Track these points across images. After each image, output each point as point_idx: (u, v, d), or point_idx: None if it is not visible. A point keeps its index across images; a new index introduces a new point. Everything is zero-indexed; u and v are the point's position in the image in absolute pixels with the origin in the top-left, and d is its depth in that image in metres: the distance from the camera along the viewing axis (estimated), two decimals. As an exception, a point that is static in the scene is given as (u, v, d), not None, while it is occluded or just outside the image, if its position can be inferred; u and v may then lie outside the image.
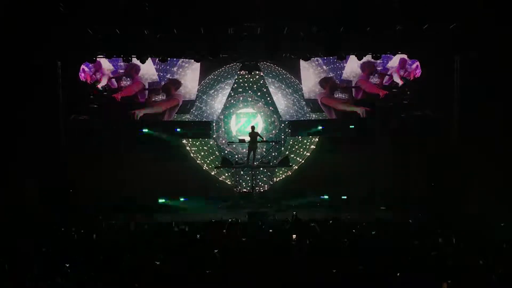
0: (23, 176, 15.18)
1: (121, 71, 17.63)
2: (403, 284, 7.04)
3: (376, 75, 17.85)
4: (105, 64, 17.32)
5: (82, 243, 10.28)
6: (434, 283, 6.97)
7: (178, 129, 18.09)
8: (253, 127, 17.65)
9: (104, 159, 17.00)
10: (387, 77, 17.80)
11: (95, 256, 8.70)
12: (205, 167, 18.92)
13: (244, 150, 18.21)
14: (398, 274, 7.30)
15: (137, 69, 17.67)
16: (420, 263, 8.08)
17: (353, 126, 18.02)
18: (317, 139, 18.89)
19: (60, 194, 15.69)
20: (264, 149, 18.67)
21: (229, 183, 19.05)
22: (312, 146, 18.97)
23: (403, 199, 16.51)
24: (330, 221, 13.02)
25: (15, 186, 14.88)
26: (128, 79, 17.75)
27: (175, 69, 17.91)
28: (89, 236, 11.04)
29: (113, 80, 17.63)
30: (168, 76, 18.01)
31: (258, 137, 17.43)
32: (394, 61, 17.59)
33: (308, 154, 18.96)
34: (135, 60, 16.30)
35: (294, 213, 13.77)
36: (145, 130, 17.84)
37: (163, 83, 18.04)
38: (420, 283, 6.96)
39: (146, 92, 18.02)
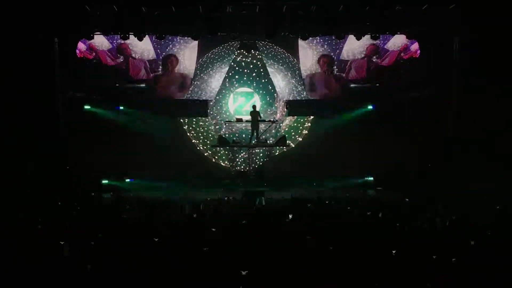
0: (20, 154, 15.18)
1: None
2: (398, 262, 7.10)
3: (377, 55, 17.76)
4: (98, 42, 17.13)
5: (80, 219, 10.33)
6: (428, 262, 7.04)
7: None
8: (254, 106, 17.68)
9: (101, 136, 17.02)
10: (387, 59, 17.70)
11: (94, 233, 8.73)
12: (200, 146, 18.92)
13: (241, 128, 18.29)
14: (393, 251, 7.37)
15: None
16: (415, 241, 8.15)
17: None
18: (309, 124, 18.89)
19: (58, 171, 15.74)
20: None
21: (226, 162, 19.09)
22: (305, 132, 19.00)
23: (400, 179, 16.59)
24: (327, 201, 13.10)
25: (13, 164, 14.89)
26: (121, 56, 17.55)
27: (172, 46, 17.78)
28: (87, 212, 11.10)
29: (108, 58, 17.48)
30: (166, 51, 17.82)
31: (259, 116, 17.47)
32: (396, 43, 17.48)
33: (300, 139, 19.00)
34: (132, 37, 16.17)
35: (293, 192, 13.89)
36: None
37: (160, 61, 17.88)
38: (415, 261, 7.02)
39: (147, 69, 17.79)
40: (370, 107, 17.94)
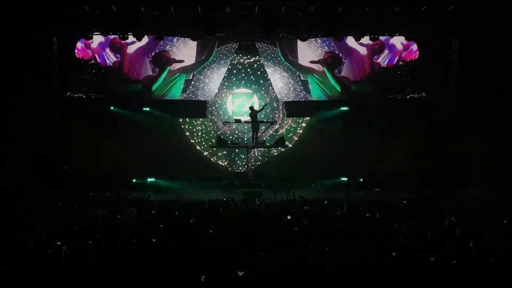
0: (18, 153, 15.15)
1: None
2: (399, 264, 7.08)
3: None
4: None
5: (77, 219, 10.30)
6: (428, 264, 7.02)
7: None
8: (251, 108, 17.64)
9: (99, 137, 17.02)
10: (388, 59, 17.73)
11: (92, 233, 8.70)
12: (198, 147, 18.91)
13: (240, 128, 18.25)
14: (393, 253, 7.34)
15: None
16: (414, 243, 8.13)
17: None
18: (304, 125, 18.94)
19: (56, 171, 15.73)
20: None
21: (225, 162, 19.07)
22: (300, 131, 19.02)
23: (398, 181, 16.57)
24: (325, 201, 13.08)
25: (11, 164, 14.88)
26: (118, 55, 17.47)
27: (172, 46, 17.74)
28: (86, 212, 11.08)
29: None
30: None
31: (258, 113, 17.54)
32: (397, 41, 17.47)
33: (296, 138, 19.01)
34: (131, 38, 16.14)
35: (292, 193, 13.84)
36: (146, 109, 17.73)
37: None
38: (415, 263, 7.00)
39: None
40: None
